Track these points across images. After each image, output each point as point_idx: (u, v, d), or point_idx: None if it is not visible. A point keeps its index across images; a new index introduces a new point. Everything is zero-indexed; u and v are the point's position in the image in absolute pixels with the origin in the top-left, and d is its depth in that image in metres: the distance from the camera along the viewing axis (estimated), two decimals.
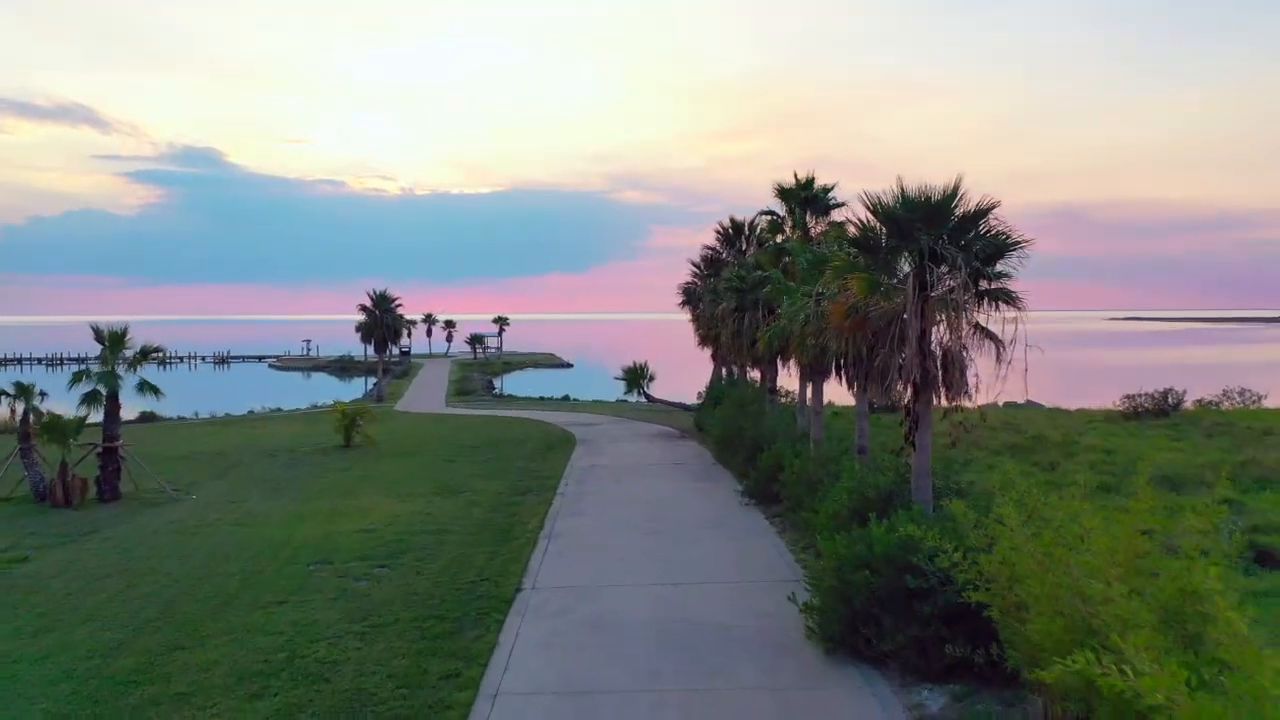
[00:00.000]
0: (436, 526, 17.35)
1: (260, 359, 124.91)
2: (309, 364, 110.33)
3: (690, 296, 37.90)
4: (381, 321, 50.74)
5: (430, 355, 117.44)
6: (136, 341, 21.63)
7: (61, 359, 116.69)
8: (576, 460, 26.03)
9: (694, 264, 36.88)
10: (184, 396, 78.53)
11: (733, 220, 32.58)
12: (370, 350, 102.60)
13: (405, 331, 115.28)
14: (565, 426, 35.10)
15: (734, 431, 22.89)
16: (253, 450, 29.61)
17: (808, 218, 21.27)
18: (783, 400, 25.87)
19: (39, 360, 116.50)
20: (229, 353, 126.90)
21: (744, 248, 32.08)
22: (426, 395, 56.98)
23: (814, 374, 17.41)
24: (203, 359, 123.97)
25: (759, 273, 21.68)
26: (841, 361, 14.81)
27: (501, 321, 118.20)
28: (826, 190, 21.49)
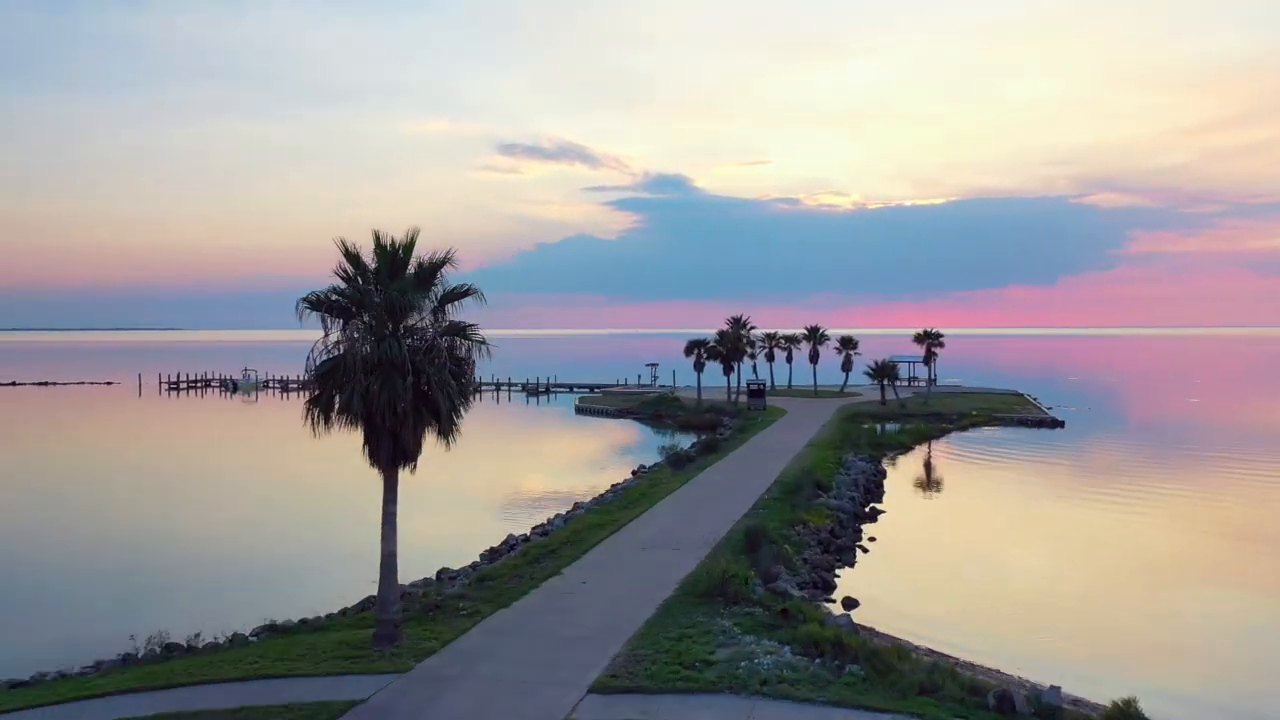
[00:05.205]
0: None
1: (571, 389, 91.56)
2: (622, 403, 73.52)
3: None
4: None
5: (815, 392, 75.20)
6: None
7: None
8: None
9: None
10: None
11: None
12: (702, 378, 63.89)
13: (756, 352, 75.24)
14: None
15: None
16: None
17: None
18: None
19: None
20: (551, 380, 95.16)
21: None
22: (624, 573, 18.75)
23: None
24: (520, 388, 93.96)
25: None
26: None
27: (930, 339, 71.56)
28: None
